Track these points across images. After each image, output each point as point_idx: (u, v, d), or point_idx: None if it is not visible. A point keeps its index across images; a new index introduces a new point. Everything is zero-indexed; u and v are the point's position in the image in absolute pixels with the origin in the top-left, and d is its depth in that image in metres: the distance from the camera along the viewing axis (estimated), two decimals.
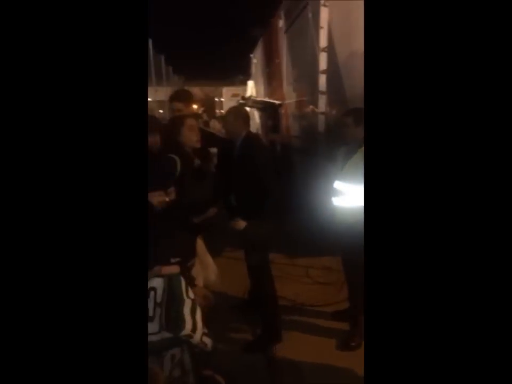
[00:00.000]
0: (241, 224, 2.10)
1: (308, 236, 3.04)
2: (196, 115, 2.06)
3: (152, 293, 0.96)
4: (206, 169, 1.99)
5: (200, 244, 1.33)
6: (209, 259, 1.37)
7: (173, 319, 0.99)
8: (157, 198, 1.29)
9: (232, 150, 2.27)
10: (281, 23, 5.28)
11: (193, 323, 1.03)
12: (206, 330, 1.07)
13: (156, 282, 0.99)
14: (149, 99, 10.94)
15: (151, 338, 0.94)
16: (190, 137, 1.77)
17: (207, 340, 1.06)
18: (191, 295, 1.04)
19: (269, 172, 2.23)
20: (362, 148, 1.80)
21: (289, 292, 2.64)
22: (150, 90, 10.02)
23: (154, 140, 1.78)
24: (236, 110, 2.50)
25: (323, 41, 3.37)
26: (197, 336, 1.03)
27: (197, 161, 1.84)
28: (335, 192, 1.99)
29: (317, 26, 3.48)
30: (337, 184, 1.98)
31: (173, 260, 1.07)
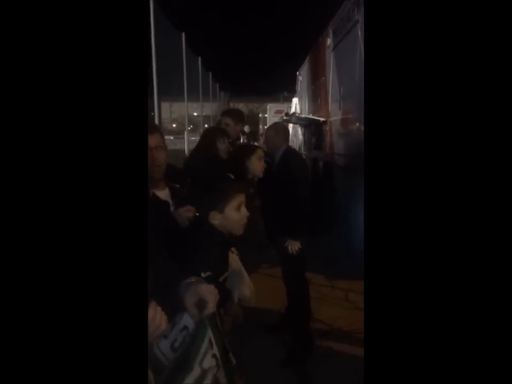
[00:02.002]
0: (296, 244, 2.09)
1: (349, 257, 2.92)
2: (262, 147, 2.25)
3: (185, 331, 0.88)
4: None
5: (235, 260, 1.31)
6: (245, 275, 1.35)
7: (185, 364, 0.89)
8: (185, 213, 1.26)
9: (271, 164, 2.29)
10: (329, 41, 5.28)
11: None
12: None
13: (190, 324, 0.90)
14: (195, 114, 11.41)
15: (164, 360, 0.87)
16: (257, 166, 1.94)
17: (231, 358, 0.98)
18: (206, 365, 0.89)
19: (307, 186, 2.21)
20: None
21: (327, 315, 2.53)
22: (197, 105, 10.42)
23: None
24: (276, 126, 2.55)
25: None
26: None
27: (251, 191, 1.93)
28: None
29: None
30: None
31: (203, 274, 1.03)
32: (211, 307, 0.87)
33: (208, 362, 0.89)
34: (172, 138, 10.80)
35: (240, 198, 1.21)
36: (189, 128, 8.34)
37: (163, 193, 1.28)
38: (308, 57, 7.33)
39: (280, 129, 2.42)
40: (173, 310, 0.89)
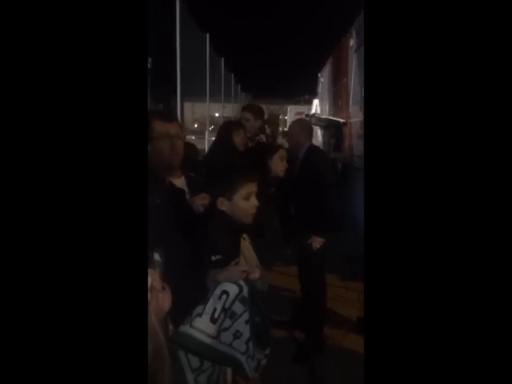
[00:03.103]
0: (319, 241, 2.08)
1: (361, 258, 2.88)
2: (284, 147, 2.25)
3: (224, 296, 0.88)
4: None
5: (247, 247, 1.33)
6: (254, 258, 1.37)
7: (262, 334, 0.91)
8: (200, 201, 1.29)
9: (294, 161, 2.29)
10: (352, 41, 5.24)
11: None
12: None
13: (229, 287, 0.90)
14: (216, 114, 11.51)
15: (204, 338, 0.86)
16: (279, 166, 1.96)
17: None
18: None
19: (331, 183, 2.20)
20: None
21: (339, 316, 2.52)
22: (219, 106, 10.53)
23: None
24: (300, 123, 2.55)
25: None
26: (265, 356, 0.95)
27: (272, 190, 1.98)
28: None
29: None
30: None
31: (213, 258, 1.05)
32: (258, 272, 0.94)
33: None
34: (193, 138, 10.95)
35: (250, 188, 1.23)
36: (210, 128, 8.44)
37: (179, 181, 1.32)
38: (329, 59, 7.29)
39: (305, 125, 2.40)
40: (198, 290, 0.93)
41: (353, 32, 5.13)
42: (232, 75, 11.56)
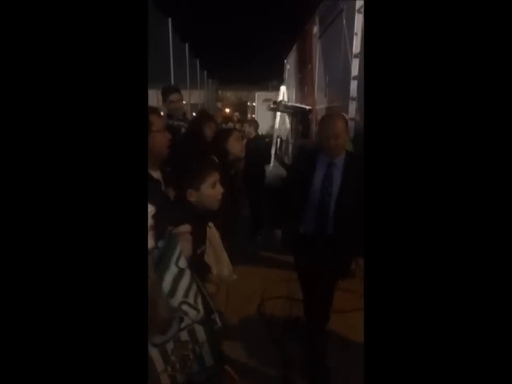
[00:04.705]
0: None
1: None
2: (241, 130, 2.27)
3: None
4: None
5: (216, 237, 1.38)
6: (223, 254, 1.41)
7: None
8: (171, 193, 1.35)
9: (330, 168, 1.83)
10: (315, 29, 5.30)
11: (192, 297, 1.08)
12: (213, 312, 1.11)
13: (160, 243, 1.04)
14: (183, 102, 11.23)
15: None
16: (236, 147, 2.00)
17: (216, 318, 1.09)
18: (182, 264, 1.06)
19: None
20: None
21: None
22: (184, 93, 10.28)
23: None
24: (345, 118, 1.94)
25: (356, 47, 3.36)
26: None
27: (232, 172, 2.04)
28: None
29: (350, 32, 3.49)
30: None
31: None
32: (182, 227, 1.08)
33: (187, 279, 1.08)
34: None
35: (215, 176, 1.30)
36: None
37: (156, 174, 1.39)
38: (295, 45, 7.33)
39: (346, 127, 1.80)
40: None
41: (317, 19, 5.19)
42: (198, 61, 11.30)
